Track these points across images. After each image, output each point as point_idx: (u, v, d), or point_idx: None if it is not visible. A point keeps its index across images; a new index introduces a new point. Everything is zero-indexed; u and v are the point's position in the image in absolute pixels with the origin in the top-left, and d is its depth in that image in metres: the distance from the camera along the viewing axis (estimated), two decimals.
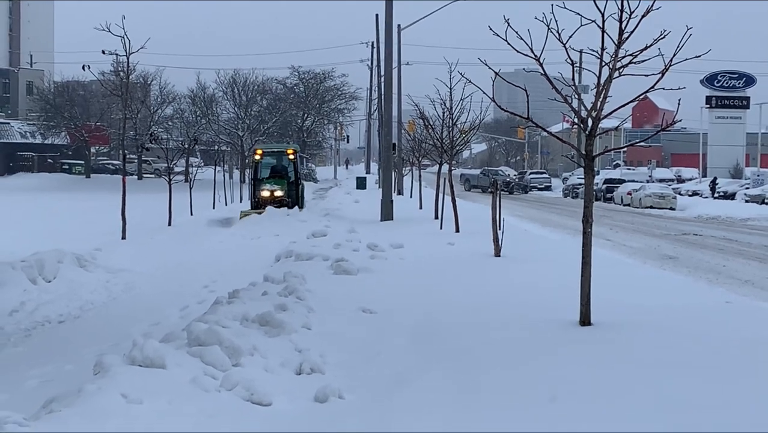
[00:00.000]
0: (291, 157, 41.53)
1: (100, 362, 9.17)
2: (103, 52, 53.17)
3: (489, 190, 79.98)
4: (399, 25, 51.61)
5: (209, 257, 25.66)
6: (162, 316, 15.96)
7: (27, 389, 10.58)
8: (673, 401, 8.42)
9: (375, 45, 79.12)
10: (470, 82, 22.11)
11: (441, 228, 30.36)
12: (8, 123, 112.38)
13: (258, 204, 38.88)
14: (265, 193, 39.12)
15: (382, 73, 45.64)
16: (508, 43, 12.95)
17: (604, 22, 12.27)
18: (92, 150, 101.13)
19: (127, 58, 33.33)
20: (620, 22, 12.19)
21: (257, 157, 41.34)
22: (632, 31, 12.27)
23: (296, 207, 39.76)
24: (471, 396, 8.89)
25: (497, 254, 21.48)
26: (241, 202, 48.84)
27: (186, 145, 55.96)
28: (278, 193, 39.10)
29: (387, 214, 35.96)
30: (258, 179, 40.61)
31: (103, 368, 8.94)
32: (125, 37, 31.71)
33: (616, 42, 12.31)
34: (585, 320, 12.31)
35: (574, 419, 8.00)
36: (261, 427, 8.02)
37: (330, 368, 9.92)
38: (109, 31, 31.67)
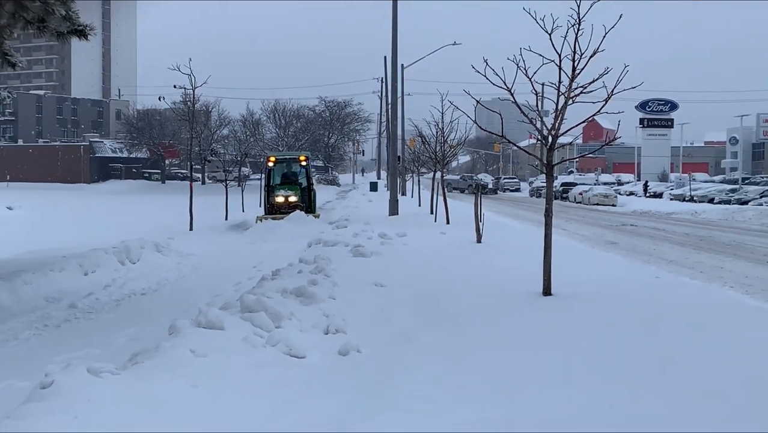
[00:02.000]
0: (303, 163, 33.46)
1: (174, 325, 9.19)
2: (175, 87, 52.76)
3: (465, 191, 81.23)
4: (402, 64, 51.33)
5: (256, 245, 25.69)
6: (221, 289, 15.96)
7: (117, 346, 10.62)
8: (612, 349, 8.45)
9: (384, 80, 79.15)
10: (457, 108, 22.15)
11: (435, 221, 30.40)
12: (102, 141, 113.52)
13: (272, 210, 32.04)
14: (280, 199, 31.99)
15: (389, 102, 45.49)
16: (487, 78, 12.97)
17: (561, 61, 12.29)
18: (166, 162, 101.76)
19: (193, 91, 33.35)
20: (573, 61, 12.21)
21: (270, 164, 33.71)
22: (582, 68, 12.29)
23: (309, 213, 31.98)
24: (459, 348, 8.89)
25: (479, 240, 21.46)
26: None
27: (238, 158, 55.86)
28: (292, 198, 31.84)
29: (393, 210, 35.89)
30: (271, 186, 33.31)
31: (176, 330, 8.97)
32: (191, 75, 31.85)
33: (570, 77, 12.33)
34: (547, 291, 12.31)
35: (531, 360, 8.03)
36: (298, 375, 8.03)
37: (350, 329, 9.93)
38: (179, 70, 31.82)
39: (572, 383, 7.33)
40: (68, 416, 5.99)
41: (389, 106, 48.41)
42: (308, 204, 33.05)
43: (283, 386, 7.57)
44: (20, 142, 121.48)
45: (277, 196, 32.46)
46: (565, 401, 6.74)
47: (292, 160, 34.65)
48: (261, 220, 30.94)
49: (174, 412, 6.52)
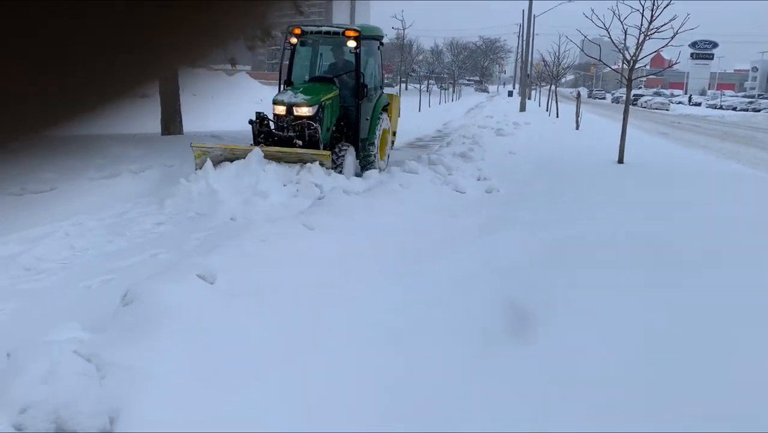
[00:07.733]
0: (352, 44, 8.44)
1: (389, 170, 9.35)
2: (393, 28, 52.10)
3: (572, 96, 76.34)
4: (534, 15, 47.88)
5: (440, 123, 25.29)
6: (415, 154, 16.05)
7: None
8: (652, 195, 8.00)
9: (521, 25, 74.72)
10: (572, 42, 20.80)
11: (549, 116, 29.12)
12: None
13: (260, 132, 8.12)
14: (279, 109, 8.05)
15: (524, 39, 42.90)
16: (593, 22, 12.08)
17: (643, 11, 11.24)
18: (384, 75, 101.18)
19: (404, 31, 32.78)
20: (651, 12, 11.15)
21: (293, 40, 8.79)
22: (657, 16, 11.21)
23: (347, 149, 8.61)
24: (558, 191, 8.65)
25: (577, 128, 20.49)
26: (451, 102, 47.54)
27: (428, 75, 54.81)
28: (303, 110, 7.89)
29: (522, 108, 34.56)
30: (287, 81, 8.86)
31: (391, 173, 9.13)
32: (403, 20, 31.19)
33: (648, 21, 11.28)
34: (621, 160, 11.72)
35: (605, 198, 7.71)
36: (461, 202, 8.10)
37: (493, 177, 9.81)
38: (396, 18, 31.27)
39: (629, 211, 7.01)
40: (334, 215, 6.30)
41: (524, 43, 45.63)
42: (353, 130, 9.43)
43: (452, 208, 7.67)
44: None
45: (276, 103, 8.37)
46: (621, 222, 6.48)
47: (334, 35, 9.00)
48: (203, 152, 7.86)
49: (388, 215, 6.76)
